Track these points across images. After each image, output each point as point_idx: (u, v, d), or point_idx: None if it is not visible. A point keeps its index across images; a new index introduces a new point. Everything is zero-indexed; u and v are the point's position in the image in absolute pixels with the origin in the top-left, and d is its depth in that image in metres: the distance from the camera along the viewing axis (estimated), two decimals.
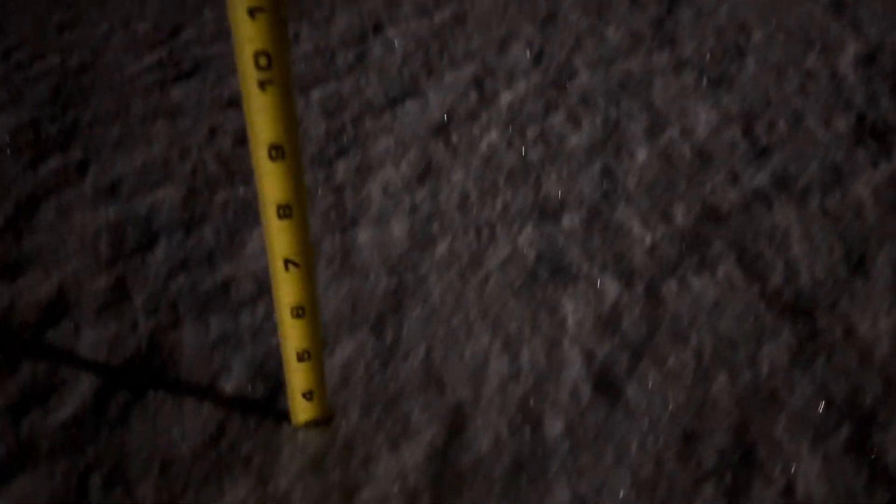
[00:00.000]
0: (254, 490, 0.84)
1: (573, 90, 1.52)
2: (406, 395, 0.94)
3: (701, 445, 0.88)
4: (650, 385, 0.95)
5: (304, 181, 0.73)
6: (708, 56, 1.63)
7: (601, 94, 1.50)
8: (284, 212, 0.75)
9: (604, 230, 1.19)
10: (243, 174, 1.32)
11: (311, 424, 0.90)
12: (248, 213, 1.24)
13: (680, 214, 1.22)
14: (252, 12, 0.60)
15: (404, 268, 1.13)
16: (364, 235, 1.19)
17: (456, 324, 1.04)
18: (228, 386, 0.96)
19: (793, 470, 0.85)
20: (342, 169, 1.33)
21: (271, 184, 0.72)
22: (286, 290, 0.78)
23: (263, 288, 1.10)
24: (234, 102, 1.53)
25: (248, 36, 0.61)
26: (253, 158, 0.69)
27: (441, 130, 1.42)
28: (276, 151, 0.68)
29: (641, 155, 1.35)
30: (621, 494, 0.83)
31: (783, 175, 1.30)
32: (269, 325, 1.04)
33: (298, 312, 0.81)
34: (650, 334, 1.02)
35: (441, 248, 1.17)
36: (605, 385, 0.95)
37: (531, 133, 1.41)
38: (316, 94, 1.52)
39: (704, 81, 1.55)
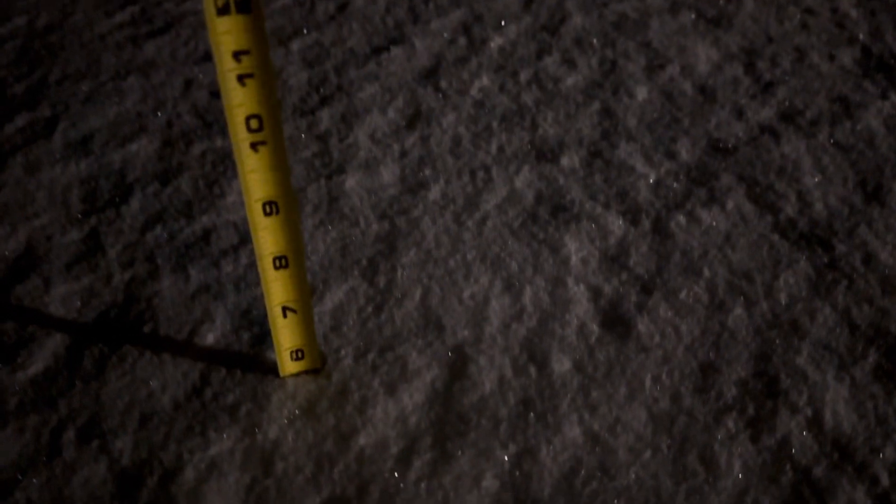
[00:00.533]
0: (241, 440, 0.78)
1: (566, 33, 1.45)
2: (402, 339, 0.88)
3: (720, 378, 0.82)
4: (662, 319, 0.89)
5: (300, 232, 0.73)
6: None
7: (596, 36, 1.44)
8: (281, 262, 0.74)
9: (605, 168, 1.13)
10: (220, 125, 1.25)
11: (301, 374, 0.84)
12: (227, 163, 1.17)
13: (684, 150, 1.16)
14: (241, 79, 0.60)
15: (396, 212, 1.07)
16: (351, 181, 1.13)
17: (453, 266, 0.98)
18: (211, 336, 0.89)
19: (819, 399, 0.80)
20: (326, 117, 1.26)
21: (267, 237, 0.71)
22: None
23: (245, 237, 1.03)
24: (210, 57, 1.45)
25: (239, 101, 0.61)
26: (248, 213, 0.69)
27: (429, 76, 1.35)
28: (270, 207, 0.68)
29: (641, 93, 1.29)
30: (637, 430, 0.77)
31: (789, 109, 1.24)
32: (252, 274, 0.98)
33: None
34: (660, 269, 0.96)
35: (434, 191, 1.10)
36: (614, 321, 0.89)
37: (524, 76, 1.34)
38: (296, 45, 1.45)
39: (702, 21, 1.49)
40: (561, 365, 0.84)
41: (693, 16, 1.50)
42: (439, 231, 1.03)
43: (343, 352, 0.87)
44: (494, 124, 1.23)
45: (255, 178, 0.66)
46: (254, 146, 0.64)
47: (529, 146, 1.18)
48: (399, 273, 0.97)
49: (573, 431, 0.78)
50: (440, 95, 1.30)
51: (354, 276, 0.97)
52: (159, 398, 0.82)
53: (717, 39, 1.43)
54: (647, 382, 0.82)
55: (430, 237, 1.02)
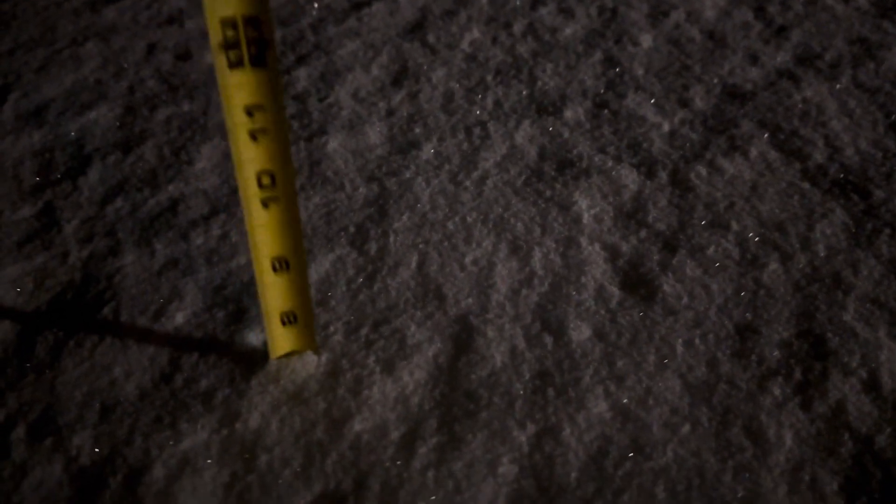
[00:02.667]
0: (218, 431, 0.68)
1: None
2: (399, 311, 0.78)
3: (760, 339, 0.73)
4: (690, 278, 0.80)
5: (309, 289, 0.69)
6: None
7: None
8: (289, 318, 0.70)
9: (613, 120, 1.03)
10: (187, 89, 1.14)
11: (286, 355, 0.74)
12: (195, 128, 1.06)
13: (698, 97, 1.06)
14: (254, 135, 0.57)
15: (385, 174, 0.96)
16: (334, 143, 1.02)
17: (452, 229, 0.87)
18: (181, 315, 0.79)
19: (873, 358, 0.71)
20: (304, 76, 1.15)
21: (275, 295, 0.68)
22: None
23: (217, 206, 0.93)
24: (174, 19, 1.34)
25: (250, 157, 0.58)
26: (255, 269, 0.66)
27: (415, 31, 1.24)
28: (279, 263, 0.66)
29: (646, 41, 1.19)
30: (672, 402, 0.68)
31: (806, 52, 1.15)
32: (225, 246, 0.87)
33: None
34: (682, 224, 0.86)
35: (427, 150, 1.00)
36: (636, 282, 0.80)
37: (518, 27, 1.23)
38: (270, 2, 1.33)
39: None
40: (580, 333, 0.74)
41: None
42: (434, 192, 0.93)
43: (332, 327, 0.77)
44: (489, 78, 1.13)
45: (264, 233, 0.63)
46: (265, 203, 0.61)
47: (528, 100, 1.08)
48: (392, 239, 0.87)
49: (599, 406, 0.68)
50: (428, 50, 1.19)
51: (342, 244, 0.87)
52: (123, 387, 0.72)
53: None
54: (679, 348, 0.73)
55: (424, 199, 0.92)
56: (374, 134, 1.03)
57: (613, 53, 1.16)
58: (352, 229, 0.88)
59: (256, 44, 0.55)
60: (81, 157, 1.02)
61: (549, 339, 0.74)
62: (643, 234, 0.85)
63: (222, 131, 1.05)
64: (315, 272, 0.83)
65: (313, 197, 0.93)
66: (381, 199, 0.92)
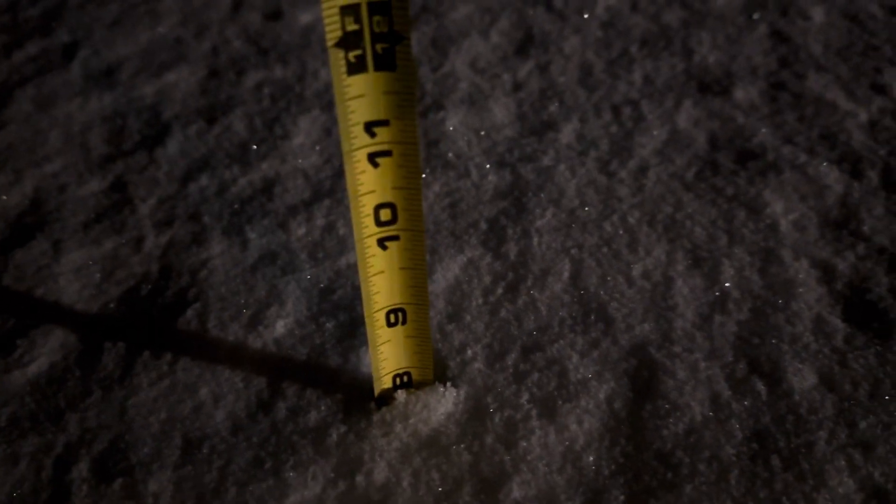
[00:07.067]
0: (335, 483, 0.52)
1: None
2: (554, 335, 0.61)
3: None
4: None
5: (430, 344, 0.55)
6: None
7: None
8: (402, 379, 0.57)
9: (796, 105, 0.84)
10: (279, 52, 0.99)
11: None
12: (289, 97, 0.90)
13: None
14: (374, 159, 0.44)
15: (518, 159, 0.79)
16: (454, 120, 0.86)
17: (610, 231, 0.70)
18: (281, 324, 0.63)
19: None
20: (413, 42, 0.99)
21: (387, 353, 0.54)
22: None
23: (320, 189, 0.77)
24: None
25: (368, 188, 0.45)
26: (367, 324, 0.51)
27: None
28: (395, 316, 0.52)
29: (818, 15, 0.99)
30: None
31: None
32: (332, 240, 0.71)
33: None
34: None
35: (566, 132, 0.83)
36: (864, 313, 0.61)
37: None
38: None
39: None
40: (801, 379, 0.57)
41: None
42: (582, 184, 0.76)
43: (470, 351, 0.60)
44: (633, 49, 0.95)
45: (381, 281, 0.50)
46: (382, 243, 0.48)
47: (686, 76, 0.89)
48: (535, 241, 0.70)
49: (843, 484, 0.50)
50: (555, 16, 1.02)
51: (472, 244, 0.70)
52: (211, 415, 0.57)
53: None
54: None
55: (570, 192, 0.75)
56: (501, 111, 0.86)
57: (781, 27, 0.97)
58: (483, 225, 0.72)
59: (385, 39, 0.40)
60: (159, 124, 0.87)
61: (761, 386, 0.56)
62: (861, 249, 0.67)
63: (321, 102, 0.89)
64: (442, 278, 0.67)
65: (433, 184, 0.77)
66: (516, 190, 0.75)
